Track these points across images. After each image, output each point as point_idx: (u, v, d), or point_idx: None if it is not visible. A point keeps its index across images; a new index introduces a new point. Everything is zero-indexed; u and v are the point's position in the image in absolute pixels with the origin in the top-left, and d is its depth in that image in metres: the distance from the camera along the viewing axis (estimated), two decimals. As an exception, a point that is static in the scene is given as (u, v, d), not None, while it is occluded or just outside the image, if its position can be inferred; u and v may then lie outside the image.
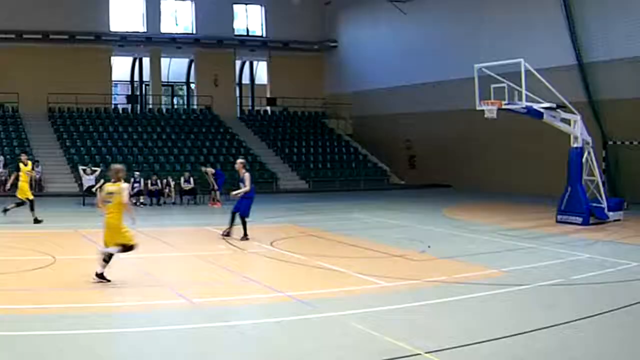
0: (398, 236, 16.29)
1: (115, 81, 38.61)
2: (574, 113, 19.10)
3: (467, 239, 15.94)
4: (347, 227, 17.82)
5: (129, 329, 8.32)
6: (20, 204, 18.44)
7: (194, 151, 32.49)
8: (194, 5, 38.23)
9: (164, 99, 40.22)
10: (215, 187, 25.06)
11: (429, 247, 14.43)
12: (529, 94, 18.16)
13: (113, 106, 37.06)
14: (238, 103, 40.76)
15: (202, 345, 7.64)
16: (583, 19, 25.77)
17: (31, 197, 18.41)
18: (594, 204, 18.93)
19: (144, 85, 39.00)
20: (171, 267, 13.13)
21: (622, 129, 24.81)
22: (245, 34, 39.96)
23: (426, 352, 7.21)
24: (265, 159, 33.94)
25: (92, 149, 31.29)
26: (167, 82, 40.52)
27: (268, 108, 40.37)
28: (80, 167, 26.09)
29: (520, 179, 28.42)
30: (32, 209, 18.25)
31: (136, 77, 39.20)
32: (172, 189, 25.22)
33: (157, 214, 22.00)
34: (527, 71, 17.90)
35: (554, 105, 18.74)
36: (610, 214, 19.05)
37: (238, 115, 39.46)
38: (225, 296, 10.24)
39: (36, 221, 18.00)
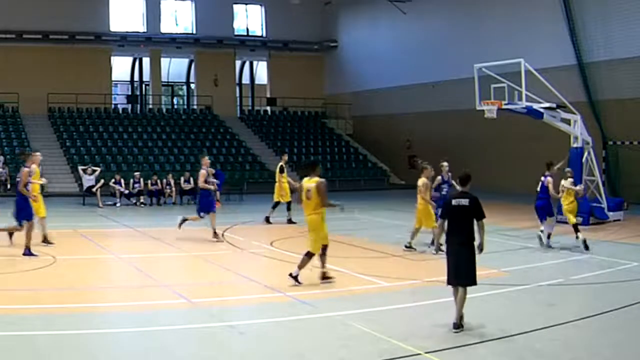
0: (398, 236, 16.27)
1: (115, 81, 38.64)
2: (574, 113, 19.10)
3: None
4: (347, 227, 17.77)
5: (129, 329, 8.32)
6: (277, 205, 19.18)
7: (194, 151, 32.46)
8: (194, 5, 38.22)
9: (164, 99, 40.22)
10: (215, 186, 24.98)
11: (429, 247, 14.44)
12: (529, 94, 18.16)
13: (113, 106, 37.05)
14: (238, 103, 40.78)
15: (202, 345, 7.64)
16: (583, 19, 25.76)
17: (288, 198, 18.89)
18: (594, 204, 18.94)
19: (144, 85, 39.01)
20: (171, 267, 13.13)
21: (622, 129, 24.79)
22: (245, 34, 39.95)
23: (426, 352, 7.21)
24: (265, 159, 33.90)
25: (92, 149, 31.28)
26: (167, 82, 40.52)
27: (268, 108, 40.36)
28: (80, 167, 26.10)
29: (520, 178, 28.34)
30: (288, 209, 18.90)
31: (136, 77, 39.23)
32: (172, 189, 25.20)
33: (157, 214, 22.00)
34: (527, 71, 17.90)
35: (554, 105, 18.74)
36: (610, 214, 19.06)
37: (238, 115, 39.47)
38: (225, 296, 10.25)
39: (290, 222, 18.52)
